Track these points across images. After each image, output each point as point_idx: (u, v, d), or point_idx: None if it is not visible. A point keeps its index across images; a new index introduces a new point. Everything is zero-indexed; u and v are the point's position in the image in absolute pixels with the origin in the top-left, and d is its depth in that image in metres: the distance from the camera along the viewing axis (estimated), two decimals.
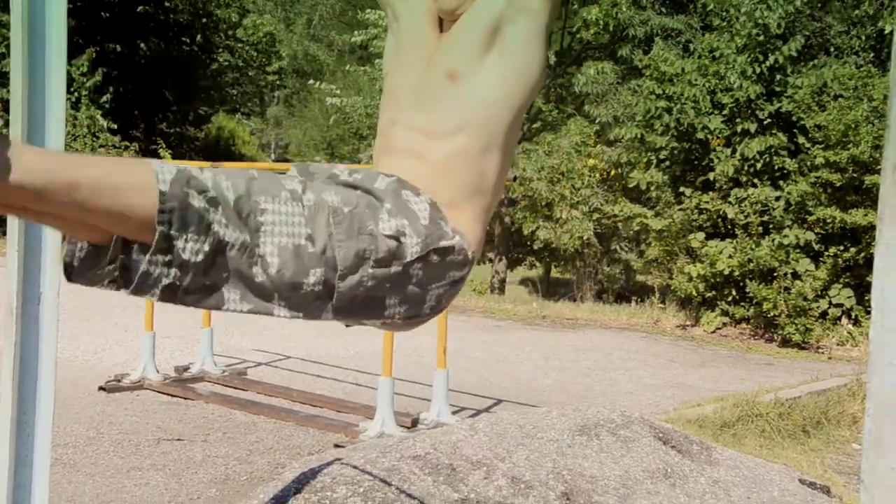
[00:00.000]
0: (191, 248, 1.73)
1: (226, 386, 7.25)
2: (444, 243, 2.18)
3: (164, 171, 1.69)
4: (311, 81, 24.21)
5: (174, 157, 19.02)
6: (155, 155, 17.30)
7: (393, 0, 2.52)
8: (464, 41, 2.34)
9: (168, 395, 6.90)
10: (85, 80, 18.92)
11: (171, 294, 1.74)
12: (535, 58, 2.36)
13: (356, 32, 23.22)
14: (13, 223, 2.81)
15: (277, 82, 34.70)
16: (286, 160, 38.59)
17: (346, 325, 2.31)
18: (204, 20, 22.54)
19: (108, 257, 1.74)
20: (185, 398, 6.84)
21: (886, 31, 13.66)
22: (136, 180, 1.68)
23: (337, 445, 5.66)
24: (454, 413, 6.51)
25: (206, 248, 1.74)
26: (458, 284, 2.26)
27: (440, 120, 2.33)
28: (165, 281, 1.72)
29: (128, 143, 18.79)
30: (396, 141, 2.38)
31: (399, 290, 2.12)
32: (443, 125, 2.32)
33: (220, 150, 25.88)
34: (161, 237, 1.68)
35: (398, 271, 2.10)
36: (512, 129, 2.37)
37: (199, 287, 1.77)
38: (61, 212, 1.65)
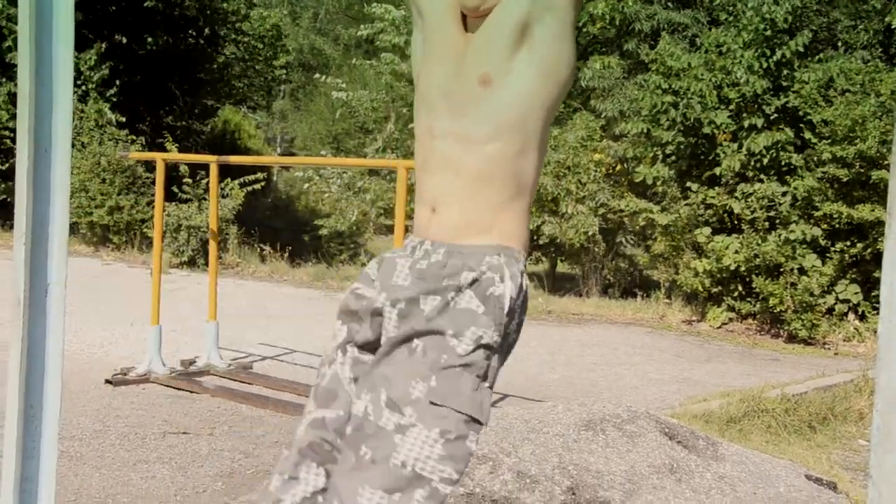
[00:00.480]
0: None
1: (231, 380, 7.27)
2: (507, 305, 2.28)
3: None
4: (317, 75, 24.19)
5: (180, 150, 19.04)
6: (161, 148, 17.33)
7: None
8: (493, 44, 2.35)
9: (174, 388, 6.93)
10: (92, 73, 18.93)
11: None
12: (565, 54, 2.37)
13: (362, 26, 23.15)
14: (20, 214, 2.81)
15: (283, 76, 34.69)
16: (292, 154, 38.67)
17: None
18: (210, 13, 22.49)
19: None
20: (191, 392, 6.86)
21: (894, 26, 13.62)
22: None
23: None
24: None
25: None
26: (527, 300, 2.41)
27: (475, 126, 2.35)
28: None
29: (134, 137, 18.81)
30: (434, 154, 2.40)
31: (508, 351, 2.36)
32: (478, 132, 2.34)
33: (226, 144, 25.90)
34: None
35: (498, 357, 2.29)
36: (545, 127, 2.39)
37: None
38: None
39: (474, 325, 2.20)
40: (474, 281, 2.26)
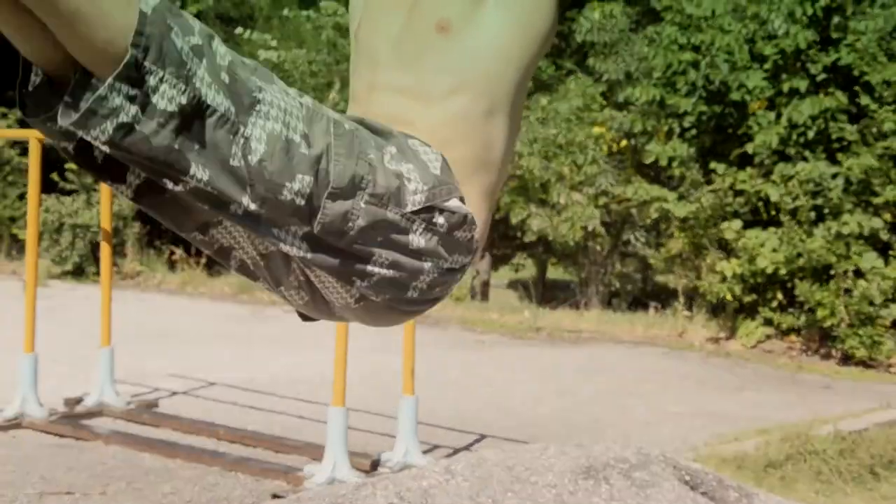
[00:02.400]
0: (165, 91, 1.71)
1: (131, 422, 7.19)
2: (453, 204, 2.20)
3: None
4: (239, 30, 24.10)
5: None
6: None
7: None
8: None
9: (55, 435, 6.82)
10: None
11: (122, 138, 1.68)
12: (543, 2, 2.39)
13: None
14: None
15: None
16: None
17: (302, 318, 2.33)
18: None
19: (64, 86, 1.70)
20: (78, 439, 6.76)
21: None
22: None
23: (275, 496, 5.64)
24: (425, 452, 6.51)
25: (183, 100, 1.72)
26: (457, 274, 2.28)
27: (431, 78, 2.35)
28: (122, 118, 1.67)
29: (6, 111, 18.63)
30: (376, 109, 2.37)
31: (390, 247, 2.11)
32: (435, 84, 2.34)
33: None
34: (131, 62, 1.65)
35: (394, 219, 2.10)
36: (519, 91, 2.39)
37: (160, 146, 1.72)
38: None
39: (414, 166, 2.17)
40: (443, 159, 2.26)
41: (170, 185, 1.78)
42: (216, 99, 1.78)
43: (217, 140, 1.80)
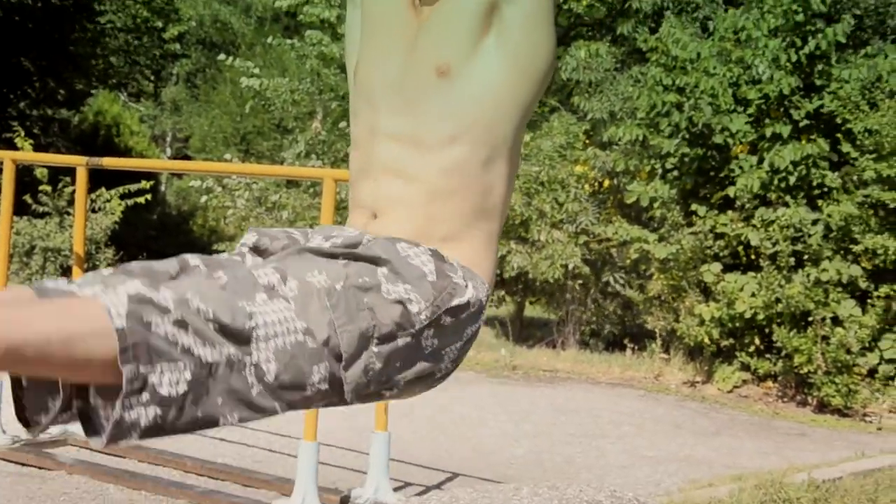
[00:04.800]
0: (168, 379, 1.84)
1: (96, 451, 7.13)
2: (457, 301, 2.24)
3: (114, 304, 1.81)
4: (222, 56, 24.08)
5: (37, 147, 18.81)
6: (9, 144, 17.08)
7: None
8: (452, 26, 2.36)
9: (17, 463, 6.78)
10: None
11: (154, 434, 1.87)
12: (541, 41, 2.40)
13: None
14: None
15: (177, 51, 34.61)
16: (186, 157, 38.46)
17: None
18: None
19: (61, 405, 1.89)
20: (41, 468, 6.72)
21: None
22: (90, 325, 1.78)
23: None
24: (396, 490, 6.48)
25: (188, 375, 1.85)
26: (475, 337, 2.35)
27: (431, 126, 2.35)
28: (145, 422, 1.84)
29: None
30: (379, 158, 2.39)
31: (410, 364, 2.20)
32: (435, 133, 2.34)
33: (100, 142, 25.56)
34: (130, 378, 1.79)
35: (407, 343, 2.17)
36: (518, 133, 2.41)
37: (187, 421, 1.89)
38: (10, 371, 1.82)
39: (411, 284, 2.19)
40: (435, 253, 2.27)
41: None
42: (213, 354, 1.88)
43: (232, 385, 1.92)
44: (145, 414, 1.83)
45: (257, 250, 2.37)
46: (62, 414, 1.94)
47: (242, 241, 2.41)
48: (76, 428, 7.30)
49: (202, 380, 1.87)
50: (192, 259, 2.16)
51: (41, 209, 16.32)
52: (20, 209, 15.30)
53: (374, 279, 2.15)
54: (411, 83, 2.38)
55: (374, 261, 2.18)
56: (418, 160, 2.35)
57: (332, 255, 2.20)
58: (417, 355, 2.20)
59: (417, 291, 2.18)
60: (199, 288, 1.94)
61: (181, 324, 1.84)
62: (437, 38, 2.37)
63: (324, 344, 2.02)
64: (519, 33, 2.36)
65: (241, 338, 1.92)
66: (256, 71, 23.34)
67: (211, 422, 1.93)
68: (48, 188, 16.32)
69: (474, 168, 2.35)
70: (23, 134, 17.51)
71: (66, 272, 15.09)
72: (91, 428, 1.87)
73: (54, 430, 7.32)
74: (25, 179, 15.05)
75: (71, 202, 15.71)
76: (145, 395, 1.82)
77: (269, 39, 25.19)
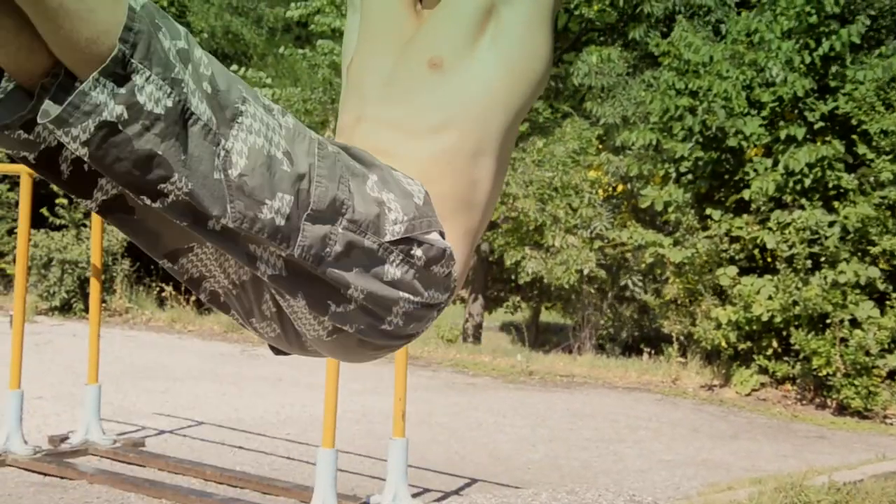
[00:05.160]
0: (151, 92, 1.65)
1: (117, 461, 7.16)
2: (432, 237, 2.18)
3: None
4: (234, 67, 24.20)
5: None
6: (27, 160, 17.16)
7: None
8: (449, 24, 2.37)
9: (39, 473, 6.79)
10: None
11: (104, 139, 1.62)
12: (538, 46, 2.40)
13: (293, 5, 23.35)
14: None
15: None
16: None
17: (275, 352, 2.27)
18: None
19: (40, 88, 1.62)
20: (63, 477, 6.72)
21: None
22: None
23: None
24: (415, 496, 6.47)
25: (169, 103, 1.66)
26: (433, 311, 2.25)
27: (420, 113, 2.34)
28: (105, 115, 1.60)
29: None
30: (361, 139, 2.36)
31: (366, 276, 2.07)
32: (423, 119, 2.34)
33: None
34: (119, 57, 1.60)
35: (371, 248, 2.06)
36: (509, 134, 2.38)
37: (143, 150, 1.65)
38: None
39: (395, 195, 2.14)
40: (428, 194, 2.23)
41: (147, 201, 1.70)
42: (199, 107, 1.74)
43: (200, 151, 1.75)
44: (111, 107, 1.59)
45: None
46: (33, 105, 1.65)
47: None
48: (96, 437, 7.35)
49: (176, 119, 1.68)
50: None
51: (58, 222, 16.38)
52: (37, 222, 15.40)
53: (363, 175, 2.07)
54: (402, 75, 2.38)
55: (370, 165, 2.12)
56: (404, 144, 2.33)
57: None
58: (376, 275, 2.08)
59: (399, 203, 2.11)
60: (210, 58, 1.83)
61: (184, 55, 1.71)
62: (432, 34, 2.38)
63: (297, 178, 1.89)
64: (515, 35, 2.36)
65: (226, 112, 1.79)
66: (269, 81, 23.46)
67: (161, 171, 1.68)
68: (65, 201, 16.41)
69: (461, 158, 2.34)
70: None
71: (83, 284, 15.14)
72: (54, 104, 1.57)
73: (75, 440, 7.36)
74: (42, 192, 15.13)
75: (87, 214, 15.76)
76: (122, 90, 1.60)
77: (281, 50, 25.28)
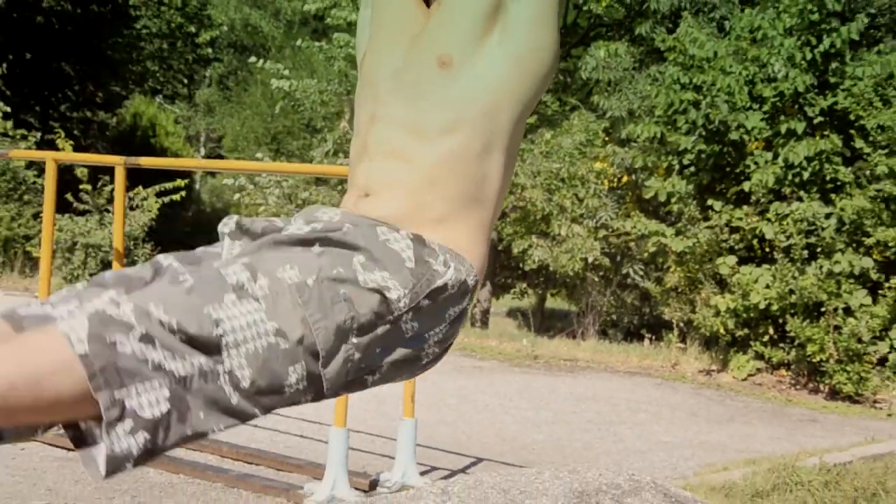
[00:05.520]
0: (147, 401, 1.75)
1: None
2: (437, 284, 2.18)
3: (73, 329, 1.70)
4: (253, 59, 24.14)
5: (77, 148, 18.91)
6: (52, 145, 17.18)
7: None
8: (458, 20, 2.36)
9: (62, 448, 6.80)
10: None
11: (147, 459, 1.79)
12: (545, 41, 2.39)
13: (310, 0, 23.25)
14: None
15: (210, 56, 34.65)
16: (219, 156, 38.51)
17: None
18: None
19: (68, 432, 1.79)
20: None
21: None
22: (52, 358, 1.68)
23: None
24: (423, 473, 6.51)
25: (165, 393, 1.76)
26: (461, 319, 2.29)
27: (430, 113, 2.34)
28: (136, 450, 1.76)
29: (25, 132, 18.62)
30: (376, 140, 2.38)
31: (391, 350, 2.13)
32: (434, 120, 2.33)
33: (137, 142, 25.67)
34: (107, 404, 1.70)
35: (387, 331, 2.10)
36: (517, 127, 2.39)
37: (175, 440, 1.81)
38: None
39: (389, 272, 2.10)
40: (416, 238, 2.20)
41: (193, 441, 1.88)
42: (185, 366, 1.79)
43: (210, 396, 1.84)
44: (135, 442, 1.74)
45: (240, 228, 2.25)
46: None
47: (221, 224, 2.28)
48: None
49: (180, 395, 1.78)
50: (166, 259, 2.07)
51: (82, 207, 16.40)
52: (62, 207, 15.40)
53: (350, 269, 2.05)
54: (413, 73, 2.37)
55: (352, 247, 2.09)
56: (416, 145, 2.33)
57: (308, 242, 2.09)
58: (398, 341, 2.14)
59: (396, 278, 2.10)
60: (163, 295, 1.84)
61: (147, 339, 1.75)
62: (441, 31, 2.36)
63: (298, 343, 1.93)
64: (523, 32, 2.35)
65: (210, 347, 1.83)
66: (286, 73, 23.42)
67: (200, 435, 1.85)
68: (88, 187, 16.39)
69: (471, 157, 2.34)
70: (64, 135, 17.55)
71: (106, 267, 15.17)
72: (88, 457, 1.76)
73: None
74: (66, 178, 15.11)
75: (110, 200, 15.78)
76: (128, 423, 1.72)
77: (298, 42, 25.22)
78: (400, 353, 2.15)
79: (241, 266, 1.96)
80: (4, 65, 19.15)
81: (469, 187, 2.35)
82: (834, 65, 13.11)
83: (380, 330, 2.07)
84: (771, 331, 12.52)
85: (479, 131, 2.35)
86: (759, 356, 12.56)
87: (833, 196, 12.60)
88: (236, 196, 21.65)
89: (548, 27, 2.39)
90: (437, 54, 2.35)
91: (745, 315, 12.49)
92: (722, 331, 12.67)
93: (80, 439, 1.76)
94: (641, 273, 17.08)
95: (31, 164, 17.60)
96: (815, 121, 12.92)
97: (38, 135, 19.36)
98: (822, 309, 11.89)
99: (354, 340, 2.02)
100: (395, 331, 2.11)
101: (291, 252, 2.05)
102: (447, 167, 2.34)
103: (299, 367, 1.94)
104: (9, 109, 18.43)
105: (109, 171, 14.17)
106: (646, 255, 15.81)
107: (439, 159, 2.33)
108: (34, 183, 17.44)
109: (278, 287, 1.94)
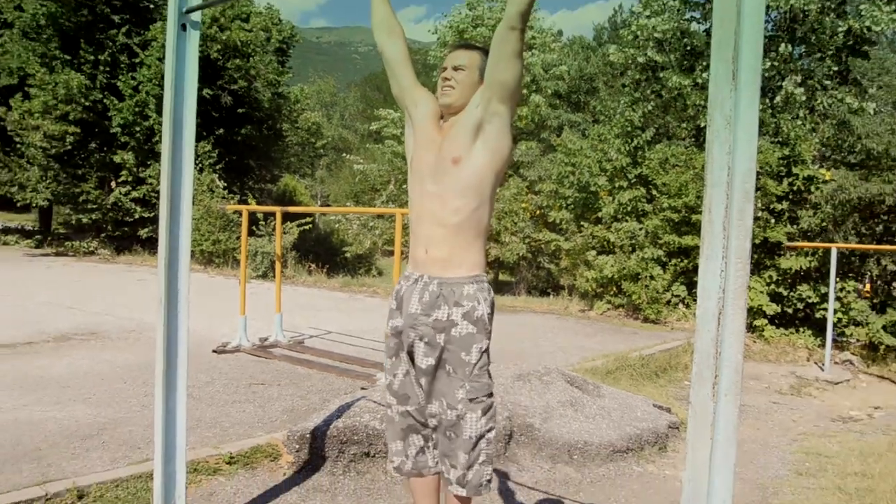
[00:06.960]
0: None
1: (291, 350, 7.22)
2: (493, 305, 2.38)
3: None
4: (344, 154, 24.20)
5: (258, 203, 18.82)
6: (245, 202, 17.15)
7: (409, 108, 2.52)
8: (460, 137, 2.33)
9: (255, 356, 6.87)
10: (206, 155, 18.78)
11: None
12: (506, 140, 2.36)
13: (373, 123, 23.29)
14: (162, 245, 2.85)
15: (322, 152, 34.54)
16: (328, 205, 38.30)
17: None
18: (278, 110, 22.24)
19: None
20: (266, 358, 6.80)
21: (702, 126, 13.80)
22: None
23: (362, 388, 5.66)
24: None
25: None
26: (494, 300, 2.43)
27: (449, 190, 2.31)
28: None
29: (236, 195, 18.65)
30: (425, 210, 2.34)
31: (487, 359, 2.46)
32: (451, 193, 2.31)
33: (286, 198, 25.72)
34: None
35: (489, 343, 2.45)
36: (495, 188, 2.37)
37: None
38: None
39: (474, 342, 2.25)
40: (465, 314, 2.26)
41: None
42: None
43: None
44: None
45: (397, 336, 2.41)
46: None
47: (390, 324, 2.43)
48: (280, 338, 7.35)
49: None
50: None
51: (260, 233, 16.37)
52: (250, 233, 15.39)
53: (467, 364, 2.32)
54: (440, 167, 2.34)
55: (457, 354, 2.32)
56: (444, 212, 2.29)
57: (440, 364, 2.33)
58: (490, 333, 2.42)
59: (478, 339, 2.35)
60: (454, 446, 2.30)
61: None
62: (453, 143, 2.33)
63: (487, 402, 2.35)
64: (494, 137, 2.32)
65: (481, 440, 2.26)
66: (361, 161, 23.38)
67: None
68: (263, 223, 16.35)
69: (472, 210, 2.30)
70: (251, 197, 17.53)
71: (272, 264, 15.13)
72: None
73: (270, 339, 7.37)
74: (253, 219, 15.11)
75: (274, 229, 15.76)
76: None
77: (367, 145, 25.13)
78: (486, 359, 2.42)
79: (448, 410, 2.33)
80: (223, 161, 18.95)
81: (475, 229, 2.34)
82: (639, 153, 13.10)
83: (488, 353, 2.42)
84: (614, 289, 12.49)
85: (475, 195, 2.32)
86: (609, 303, 12.51)
87: (643, 219, 12.58)
88: (337, 225, 21.62)
89: (506, 133, 2.37)
90: (452, 157, 2.32)
91: (601, 281, 12.47)
92: (590, 290, 12.64)
93: None
94: (548, 261, 17.08)
95: (235, 212, 17.50)
96: (632, 181, 12.89)
97: (238, 196, 19.29)
98: (639, 276, 11.87)
99: (488, 369, 2.41)
100: (489, 343, 2.43)
101: (446, 381, 2.34)
102: (463, 220, 2.32)
103: (491, 399, 2.34)
104: (225, 185, 18.35)
105: (273, 214, 14.21)
106: (550, 251, 15.81)
107: (457, 215, 2.31)
108: (237, 221, 17.35)
109: (465, 402, 2.32)
